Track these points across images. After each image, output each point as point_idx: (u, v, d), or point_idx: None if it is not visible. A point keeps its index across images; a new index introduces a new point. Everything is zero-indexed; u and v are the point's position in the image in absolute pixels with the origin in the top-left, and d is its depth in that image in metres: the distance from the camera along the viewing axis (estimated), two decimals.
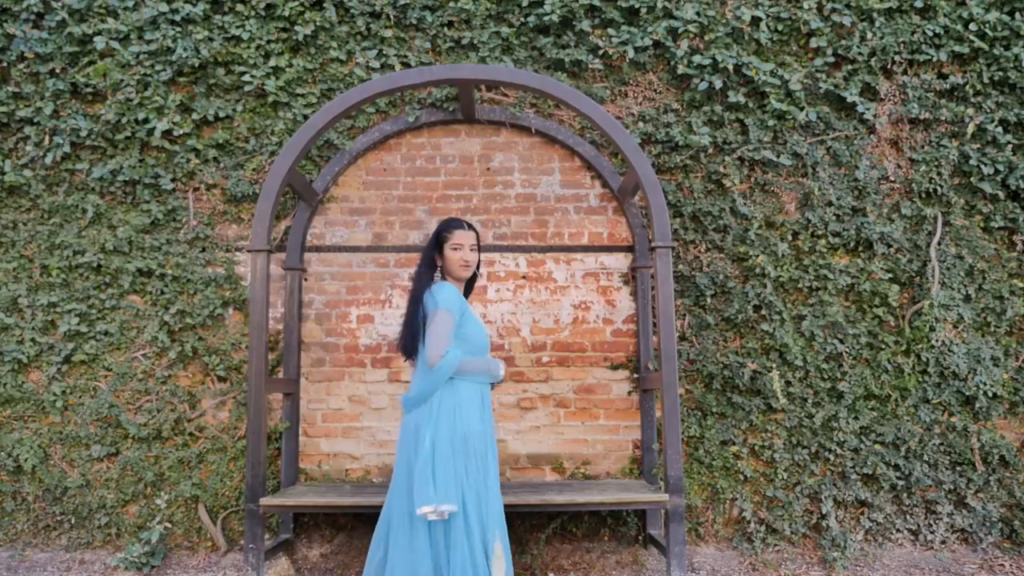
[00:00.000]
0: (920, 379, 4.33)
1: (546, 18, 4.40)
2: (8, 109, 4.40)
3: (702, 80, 4.41)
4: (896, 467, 4.27)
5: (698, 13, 4.45)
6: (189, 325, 4.34)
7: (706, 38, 4.46)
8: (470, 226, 3.08)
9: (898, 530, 4.27)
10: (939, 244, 4.41)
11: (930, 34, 4.46)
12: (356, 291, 4.44)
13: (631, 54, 4.43)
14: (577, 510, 4.03)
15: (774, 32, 4.51)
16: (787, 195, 4.48)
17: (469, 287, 3.21)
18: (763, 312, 4.34)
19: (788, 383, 4.30)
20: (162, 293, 4.35)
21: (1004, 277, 4.42)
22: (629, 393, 4.38)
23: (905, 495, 4.27)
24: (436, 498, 2.68)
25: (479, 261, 3.15)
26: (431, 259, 3.06)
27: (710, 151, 4.47)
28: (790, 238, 4.43)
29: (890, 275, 4.39)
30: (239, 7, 4.45)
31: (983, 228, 4.48)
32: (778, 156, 4.42)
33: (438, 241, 3.06)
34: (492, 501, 2.84)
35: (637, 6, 4.45)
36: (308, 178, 4.43)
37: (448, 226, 3.05)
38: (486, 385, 3.03)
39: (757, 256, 4.35)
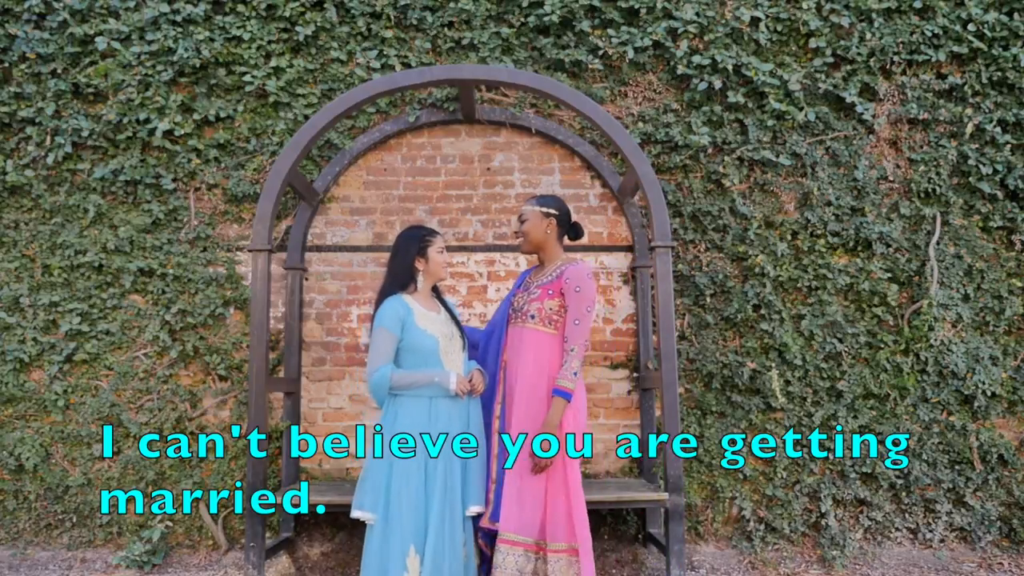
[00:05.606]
0: (919, 378, 4.34)
1: (546, 18, 4.41)
2: (10, 109, 4.42)
3: (701, 80, 4.42)
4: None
5: (697, 14, 4.46)
6: (190, 324, 4.35)
7: (705, 38, 4.47)
8: None
9: (897, 529, 4.28)
10: (938, 244, 4.42)
11: (929, 34, 4.47)
12: (357, 290, 4.45)
13: (631, 54, 4.44)
14: None
15: (773, 32, 4.52)
16: (786, 195, 4.49)
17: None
18: (762, 311, 4.35)
19: (787, 382, 4.31)
20: (163, 292, 4.36)
21: (1003, 276, 4.43)
22: (629, 392, 4.40)
23: (904, 494, 4.28)
24: (358, 503, 2.85)
25: None
26: (409, 266, 3.02)
27: (709, 151, 4.48)
28: (789, 238, 4.44)
29: (889, 275, 4.40)
30: (240, 8, 4.46)
31: (982, 228, 4.49)
32: (777, 156, 4.43)
33: (421, 246, 3.03)
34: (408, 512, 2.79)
35: (637, 6, 4.46)
36: (309, 178, 4.44)
37: (429, 232, 3.07)
38: (439, 399, 2.91)
39: (756, 256, 4.36)
